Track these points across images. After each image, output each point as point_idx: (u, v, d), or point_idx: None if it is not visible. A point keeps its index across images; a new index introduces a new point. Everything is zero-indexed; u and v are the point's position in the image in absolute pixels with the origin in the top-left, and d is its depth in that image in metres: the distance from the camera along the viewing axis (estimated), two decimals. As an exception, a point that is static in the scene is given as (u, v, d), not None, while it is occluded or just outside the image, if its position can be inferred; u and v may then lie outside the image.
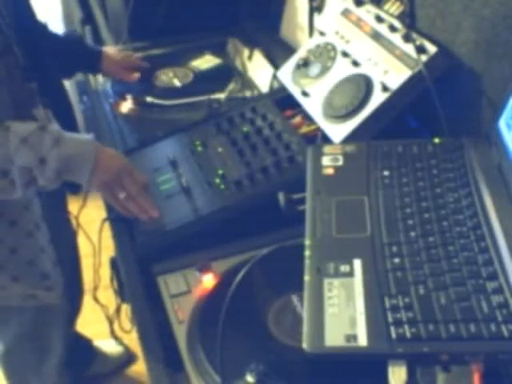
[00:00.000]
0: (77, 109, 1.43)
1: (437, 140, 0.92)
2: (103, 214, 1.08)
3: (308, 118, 1.11)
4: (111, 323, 1.31)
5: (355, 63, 1.07)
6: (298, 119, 1.14)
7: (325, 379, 0.73)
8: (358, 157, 0.92)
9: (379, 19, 1.09)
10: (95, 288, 1.27)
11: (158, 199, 1.02)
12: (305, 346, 0.67)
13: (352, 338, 0.66)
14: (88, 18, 1.80)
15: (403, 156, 0.90)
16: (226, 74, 1.46)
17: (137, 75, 1.44)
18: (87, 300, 1.72)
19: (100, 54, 1.40)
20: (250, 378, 0.72)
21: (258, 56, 1.46)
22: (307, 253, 0.77)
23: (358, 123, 0.99)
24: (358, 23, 1.12)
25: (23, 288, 1.14)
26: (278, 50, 1.45)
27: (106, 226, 1.07)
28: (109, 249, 1.07)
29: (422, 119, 1.07)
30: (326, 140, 1.03)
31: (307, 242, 0.79)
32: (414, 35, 1.01)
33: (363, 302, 0.69)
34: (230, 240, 0.95)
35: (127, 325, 1.13)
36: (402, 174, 0.87)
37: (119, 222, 1.03)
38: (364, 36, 1.10)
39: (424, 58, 0.97)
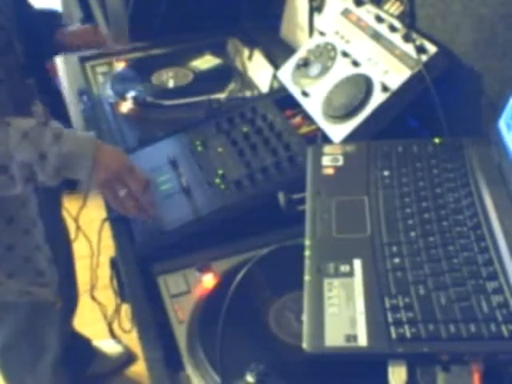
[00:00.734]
0: (77, 109, 1.43)
1: (437, 140, 0.92)
2: (103, 213, 1.08)
3: (308, 118, 1.11)
4: (109, 323, 1.31)
5: (355, 63, 1.07)
6: (297, 119, 1.14)
7: (325, 379, 0.73)
8: (357, 157, 0.92)
9: (379, 19, 1.09)
10: (92, 287, 1.27)
11: (158, 199, 1.02)
12: (305, 345, 0.67)
13: (352, 338, 0.66)
14: (88, 18, 1.80)
15: (403, 156, 0.90)
16: (226, 73, 1.46)
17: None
18: (86, 300, 1.72)
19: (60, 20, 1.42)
20: (250, 378, 0.72)
21: (258, 56, 1.46)
22: (307, 253, 0.77)
23: (357, 123, 0.99)
24: (358, 23, 1.12)
25: (18, 284, 1.14)
26: (278, 50, 1.45)
27: (106, 225, 1.07)
28: (109, 249, 1.07)
29: (422, 119, 1.07)
30: (326, 140, 1.03)
31: (307, 242, 0.79)
32: (414, 35, 1.01)
33: (363, 302, 0.69)
34: (230, 240, 0.95)
35: (127, 325, 1.13)
36: (402, 174, 0.87)
37: (119, 221, 1.03)
38: (364, 36, 1.10)
39: (424, 58, 0.97)
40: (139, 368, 1.89)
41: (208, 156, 1.09)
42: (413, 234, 0.77)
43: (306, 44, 1.23)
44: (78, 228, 1.24)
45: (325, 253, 0.77)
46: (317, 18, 1.34)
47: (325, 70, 1.12)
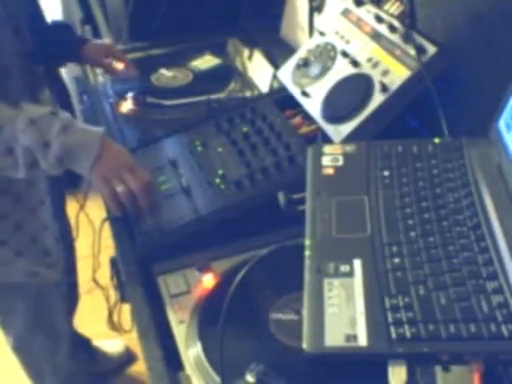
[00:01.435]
0: (77, 109, 1.43)
1: (437, 140, 0.92)
2: (103, 213, 1.08)
3: (308, 118, 1.11)
4: (110, 315, 1.30)
5: (355, 63, 1.07)
6: (297, 119, 1.14)
7: (325, 379, 0.73)
8: (357, 157, 0.92)
9: (379, 19, 1.09)
10: (94, 271, 1.27)
11: (158, 199, 1.02)
12: (305, 345, 0.67)
13: (352, 338, 0.66)
14: (88, 18, 1.80)
15: (403, 156, 0.90)
16: (226, 73, 1.46)
17: (120, 67, 1.41)
18: (86, 300, 1.73)
19: (82, 41, 1.38)
20: (250, 378, 0.72)
21: (258, 56, 1.46)
22: (307, 253, 0.77)
23: (357, 123, 0.99)
24: (358, 23, 1.12)
25: (26, 264, 1.15)
26: (278, 50, 1.45)
27: (106, 225, 1.07)
28: (109, 249, 1.07)
29: (422, 119, 1.07)
30: (326, 140, 1.03)
31: (307, 242, 0.79)
32: (414, 35, 1.01)
33: (363, 302, 0.69)
34: (230, 240, 0.95)
35: (127, 325, 1.13)
36: (401, 174, 0.87)
37: (119, 221, 1.03)
38: (364, 36, 1.10)
39: (424, 58, 0.97)
40: (139, 368, 1.90)
41: (208, 156, 1.09)
42: (413, 233, 0.77)
43: (305, 44, 1.23)
44: (78, 226, 1.25)
45: (325, 253, 0.77)
46: (317, 18, 1.34)
47: (325, 69, 1.12)
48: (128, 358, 1.93)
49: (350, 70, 1.07)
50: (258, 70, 1.44)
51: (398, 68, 1.00)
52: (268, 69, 1.39)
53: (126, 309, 1.03)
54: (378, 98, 0.99)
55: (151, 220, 0.99)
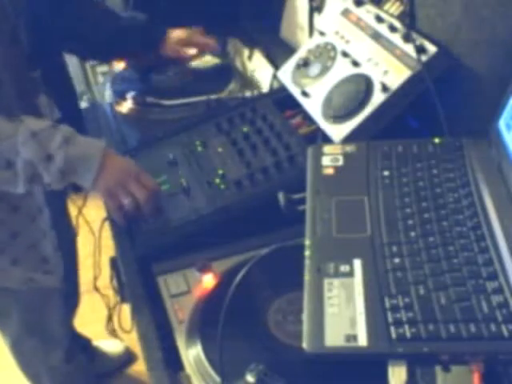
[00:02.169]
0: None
1: (437, 140, 0.92)
2: (103, 213, 1.08)
3: (308, 118, 1.11)
4: (110, 318, 1.30)
5: (355, 63, 1.07)
6: (297, 119, 1.14)
7: (325, 379, 0.73)
8: (357, 157, 0.92)
9: (379, 19, 1.09)
10: (95, 278, 1.27)
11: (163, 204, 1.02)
12: (305, 345, 0.67)
13: (352, 337, 0.66)
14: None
15: (403, 156, 0.90)
16: (226, 73, 1.46)
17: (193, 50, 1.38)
18: (86, 300, 1.73)
19: (164, 33, 1.35)
20: (250, 378, 0.72)
21: (258, 56, 1.46)
22: (307, 253, 0.77)
23: (357, 123, 0.99)
24: (358, 23, 1.12)
25: (22, 271, 1.15)
26: (277, 50, 1.45)
27: (106, 225, 1.07)
28: (109, 249, 1.07)
29: (422, 119, 1.07)
30: (326, 140, 1.03)
31: (307, 242, 0.79)
32: (414, 35, 1.01)
33: (363, 302, 0.69)
34: (230, 240, 0.95)
35: (127, 325, 1.13)
36: (402, 174, 0.87)
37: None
38: (364, 36, 1.10)
39: (424, 58, 0.97)
40: (139, 368, 1.90)
41: (208, 156, 1.09)
42: (413, 233, 0.77)
43: (306, 44, 1.23)
44: (78, 225, 1.25)
45: (325, 253, 0.77)
46: (317, 18, 1.34)
47: (325, 69, 1.12)
48: (128, 358, 1.93)
49: (350, 70, 1.07)
50: (258, 70, 1.44)
51: (398, 68, 1.00)
52: (268, 69, 1.39)
53: (126, 309, 1.03)
54: (378, 98, 0.99)
55: (151, 220, 0.99)
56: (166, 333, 0.83)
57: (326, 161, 0.92)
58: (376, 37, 1.07)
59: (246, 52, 1.50)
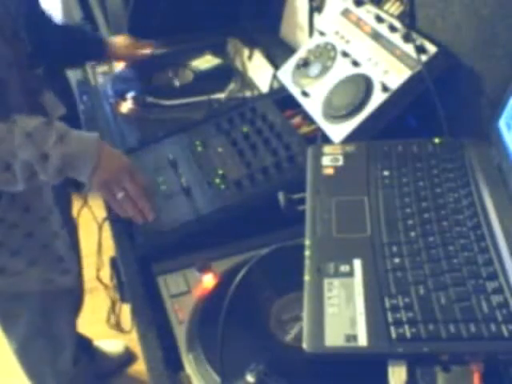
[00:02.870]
0: (77, 109, 1.43)
1: (437, 140, 0.92)
2: (103, 213, 1.09)
3: (308, 118, 1.11)
4: (113, 310, 1.30)
5: (355, 63, 1.07)
6: (297, 119, 1.14)
7: (325, 379, 0.73)
8: (358, 157, 0.92)
9: (379, 19, 1.09)
10: (98, 269, 1.26)
11: (158, 199, 1.02)
12: (305, 345, 0.67)
13: (352, 337, 0.66)
14: (88, 18, 1.80)
15: (403, 156, 0.90)
16: (226, 73, 1.46)
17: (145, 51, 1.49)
18: (86, 300, 1.72)
19: (102, 40, 1.44)
20: (250, 378, 0.72)
21: (258, 56, 1.46)
22: (307, 253, 0.77)
23: (357, 123, 0.99)
24: (358, 23, 1.12)
25: (40, 272, 1.15)
26: (278, 50, 1.45)
27: (106, 225, 1.07)
28: (109, 249, 1.07)
29: (422, 119, 1.07)
30: (326, 140, 1.03)
31: (307, 242, 0.79)
32: (414, 35, 1.01)
33: (363, 302, 0.69)
34: (230, 240, 0.95)
35: (127, 325, 1.13)
36: (402, 174, 0.87)
37: (119, 222, 1.03)
38: (364, 36, 1.10)
39: (424, 58, 0.97)
40: (139, 368, 1.90)
41: (208, 156, 1.09)
42: (413, 233, 0.77)
43: (306, 44, 1.23)
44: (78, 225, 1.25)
45: (325, 253, 0.77)
46: (317, 18, 1.34)
47: (325, 69, 1.12)
48: (128, 358, 1.92)
49: (350, 70, 1.07)
50: (258, 70, 1.44)
51: (398, 68, 1.00)
52: (268, 69, 1.39)
53: (126, 309, 1.03)
54: (378, 98, 0.99)
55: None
56: (166, 333, 0.83)
57: (325, 161, 0.92)
58: (376, 37, 1.07)
59: (246, 52, 1.50)
